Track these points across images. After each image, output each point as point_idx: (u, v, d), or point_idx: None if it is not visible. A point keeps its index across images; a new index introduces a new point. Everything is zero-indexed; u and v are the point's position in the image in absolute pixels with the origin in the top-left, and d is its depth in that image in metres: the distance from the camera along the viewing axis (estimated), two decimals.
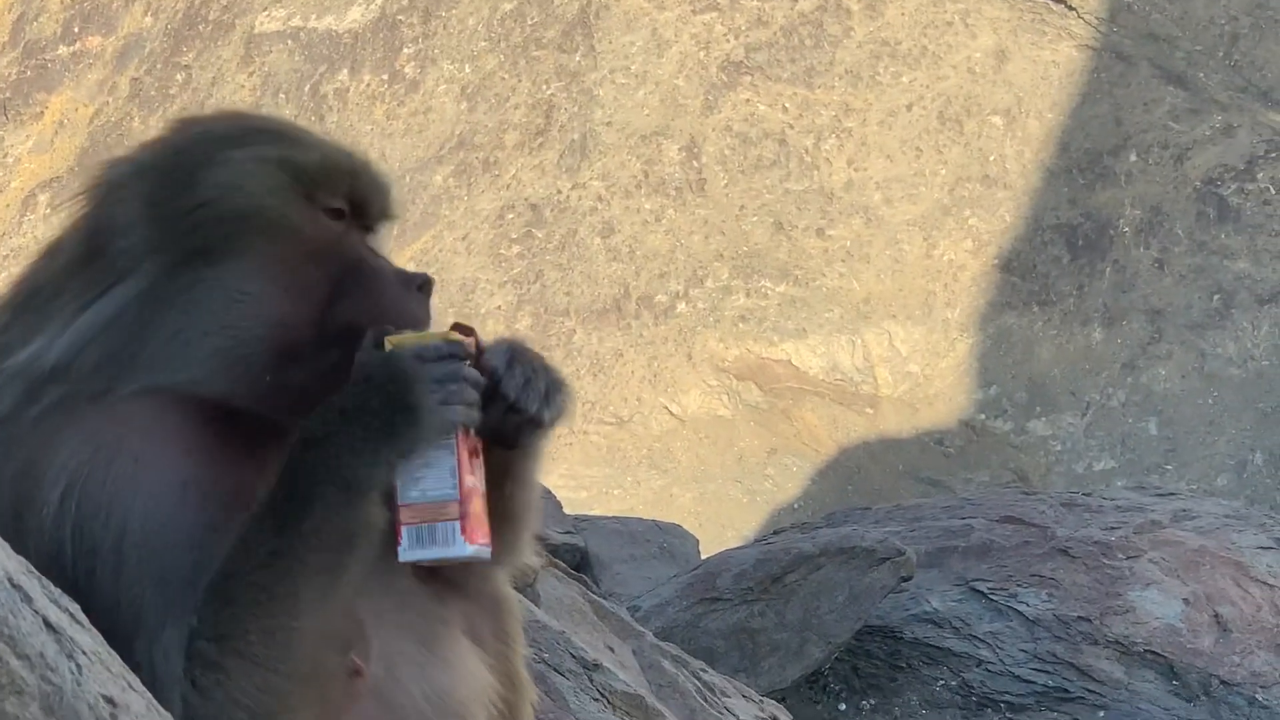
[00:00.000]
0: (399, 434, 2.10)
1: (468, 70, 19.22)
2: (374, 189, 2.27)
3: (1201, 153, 17.90)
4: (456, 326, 2.26)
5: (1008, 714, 6.13)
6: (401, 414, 2.10)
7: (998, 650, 6.32)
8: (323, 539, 2.07)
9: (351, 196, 2.23)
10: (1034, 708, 6.13)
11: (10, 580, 1.57)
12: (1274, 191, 17.83)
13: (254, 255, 2.14)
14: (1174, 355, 17.17)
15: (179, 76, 19.79)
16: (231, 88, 19.39)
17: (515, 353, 2.28)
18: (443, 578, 2.29)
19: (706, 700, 4.46)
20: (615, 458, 17.19)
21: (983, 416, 17.20)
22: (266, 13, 19.93)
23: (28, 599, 1.57)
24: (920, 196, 17.93)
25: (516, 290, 17.94)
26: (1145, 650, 6.28)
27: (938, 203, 17.91)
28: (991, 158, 18.06)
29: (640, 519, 9.06)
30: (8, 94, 20.15)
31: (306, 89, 19.44)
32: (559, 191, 18.28)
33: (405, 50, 19.49)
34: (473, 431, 2.21)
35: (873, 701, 6.23)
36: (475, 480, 2.21)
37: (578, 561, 7.35)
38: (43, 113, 20.09)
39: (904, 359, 17.38)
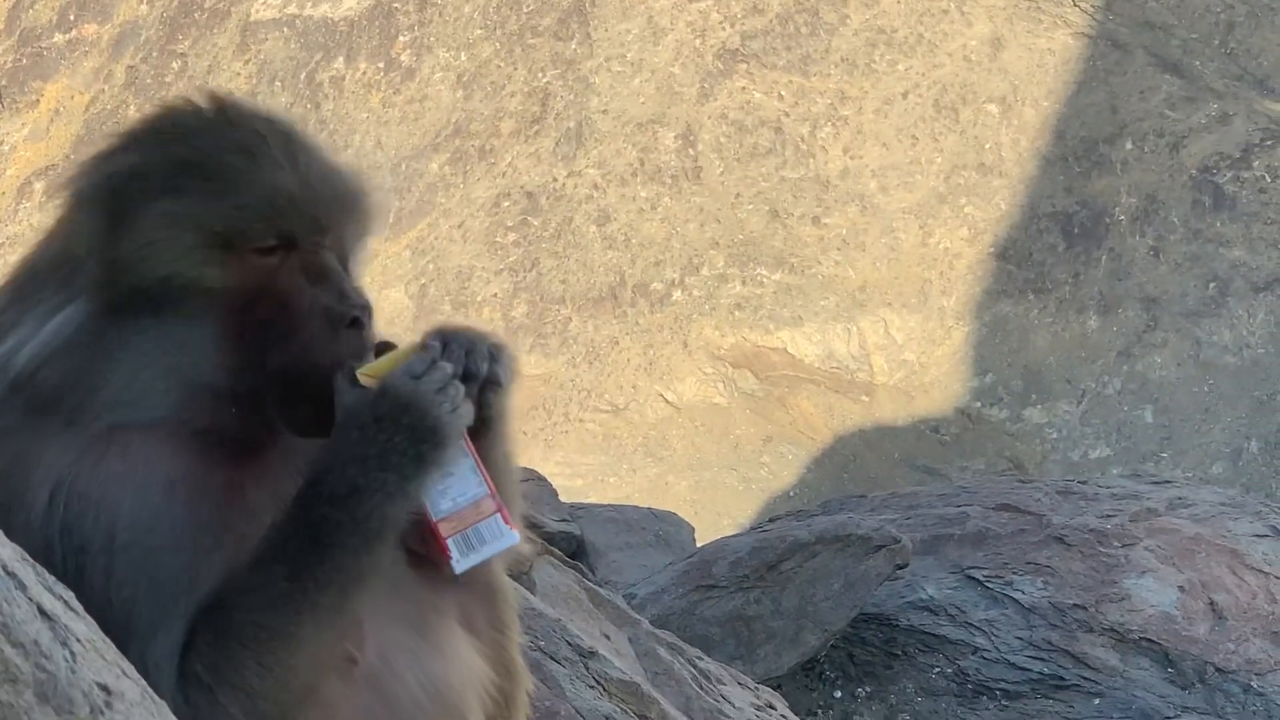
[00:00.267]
0: (430, 459, 2.09)
1: (463, 58, 19.18)
2: (304, 219, 2.18)
3: (1197, 141, 17.91)
4: (380, 346, 2.20)
5: (1003, 701, 6.13)
6: (428, 439, 2.09)
7: (993, 638, 6.31)
8: (337, 584, 2.06)
9: (278, 232, 2.17)
10: (1029, 695, 6.13)
11: (4, 568, 1.57)
12: (1270, 179, 17.82)
13: (187, 309, 2.13)
14: (1169, 343, 17.18)
15: (174, 64, 19.74)
16: (227, 75, 19.35)
17: (447, 333, 2.24)
18: (438, 567, 2.26)
19: (702, 688, 4.46)
20: (611, 445, 17.17)
21: (978, 404, 17.20)
22: (262, 0, 19.89)
23: (22, 586, 1.57)
24: (916, 184, 17.92)
25: (512, 278, 17.91)
26: (1140, 638, 6.28)
27: (933, 191, 17.90)
28: (987, 146, 18.05)
29: (636, 507, 9.05)
30: (3, 82, 20.11)
31: (302, 77, 19.39)
32: (555, 179, 18.24)
33: (401, 38, 19.44)
34: None
35: (868, 689, 6.22)
36: (484, 466, 2.20)
37: (574, 549, 7.34)
38: (38, 100, 20.05)
39: (900, 347, 17.38)
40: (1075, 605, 6.40)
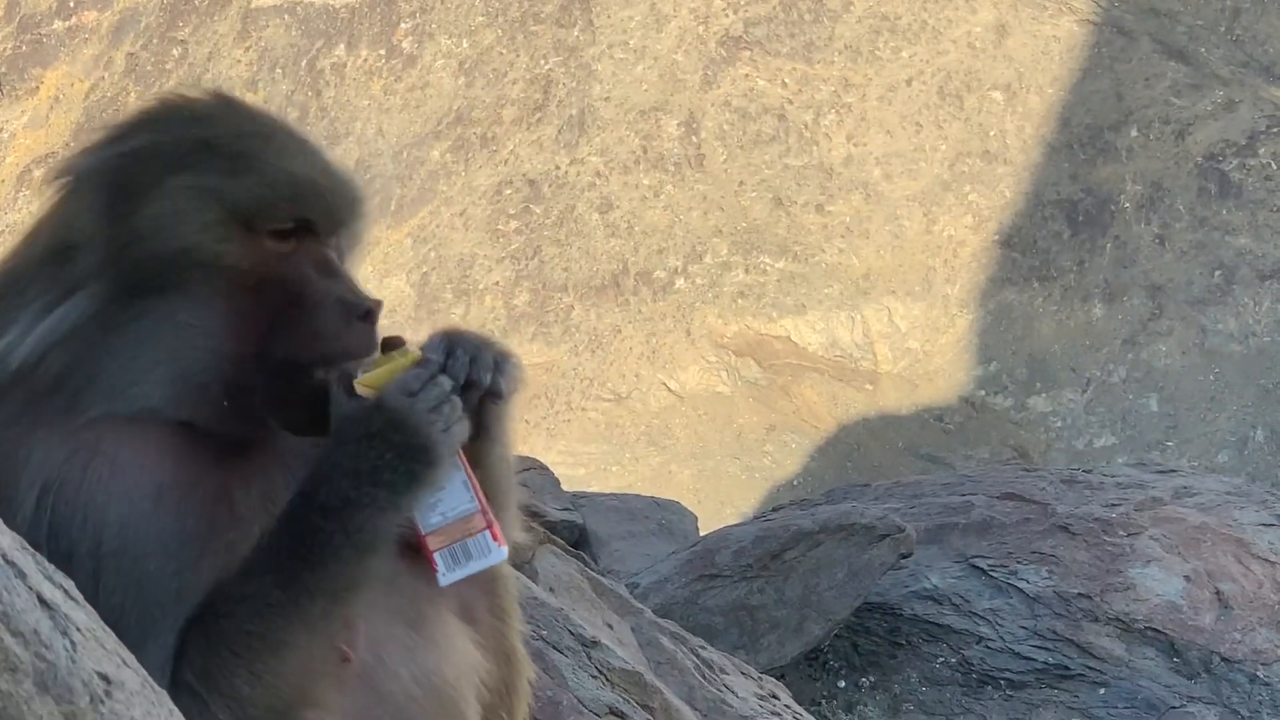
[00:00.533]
0: (421, 477, 2.08)
1: (465, 45, 19.17)
2: (322, 204, 2.18)
3: (1203, 128, 17.89)
4: (388, 341, 2.19)
5: (1008, 691, 6.11)
6: (419, 460, 2.08)
7: (998, 627, 6.29)
8: (329, 594, 2.06)
9: (296, 216, 2.15)
10: (1034, 685, 6.11)
11: (4, 557, 1.56)
12: (1275, 167, 17.81)
13: (195, 288, 2.10)
14: (1175, 331, 17.17)
15: (175, 51, 19.72)
16: (228, 63, 19.35)
17: (452, 339, 2.23)
18: (423, 552, 2.23)
19: (705, 678, 4.43)
20: (614, 434, 17.17)
21: (983, 393, 17.20)
22: None
23: (21, 575, 1.56)
24: (920, 172, 17.92)
25: (514, 266, 17.90)
26: (1146, 627, 6.25)
27: (938, 178, 17.90)
28: (992, 133, 18.05)
29: (639, 496, 9.03)
30: (2, 69, 20.09)
31: (303, 64, 19.36)
32: (557, 167, 18.23)
33: (403, 25, 19.43)
34: None
35: (872, 679, 6.21)
36: (475, 479, 2.19)
37: (576, 538, 7.33)
38: (38, 88, 20.03)
39: (904, 335, 17.38)
40: (1080, 595, 6.37)
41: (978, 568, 6.56)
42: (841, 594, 6.15)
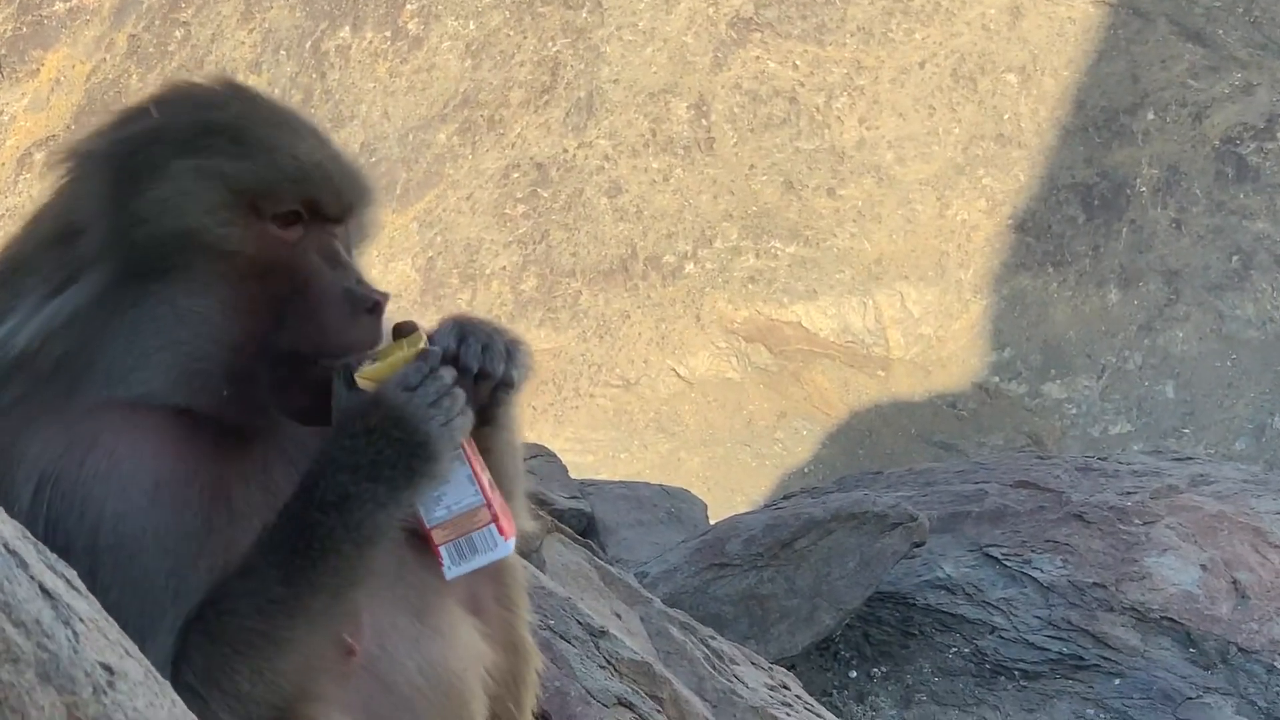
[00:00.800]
0: (420, 473, 2.08)
1: (472, 27, 19.20)
2: (329, 189, 2.17)
3: (1220, 111, 17.90)
4: (399, 327, 2.19)
5: (1021, 682, 6.09)
6: (418, 455, 2.07)
7: (1011, 617, 6.27)
8: (330, 589, 2.06)
9: (303, 199, 2.15)
10: (1048, 675, 6.09)
11: (6, 546, 1.55)
12: None
13: (199, 273, 2.10)
14: (1191, 317, 17.21)
15: (178, 33, 19.76)
16: (231, 44, 19.39)
17: (464, 326, 2.23)
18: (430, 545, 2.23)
19: (715, 668, 4.39)
20: (622, 421, 17.23)
21: (996, 379, 17.25)
22: None
23: (23, 565, 1.55)
24: (933, 155, 17.96)
25: (522, 251, 17.96)
26: (1162, 617, 6.22)
27: (951, 162, 17.94)
28: (1006, 116, 18.08)
29: (648, 484, 9.02)
30: (3, 51, 20.12)
31: (307, 46, 19.40)
32: (565, 150, 18.28)
33: (408, 6, 19.47)
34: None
35: (884, 669, 6.19)
36: (484, 470, 2.19)
37: (584, 527, 7.32)
38: (39, 70, 20.04)
39: (916, 321, 17.43)
40: (1095, 584, 6.34)
41: (991, 556, 6.54)
42: (853, 583, 6.13)
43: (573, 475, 8.51)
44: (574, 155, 18.30)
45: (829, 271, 17.64)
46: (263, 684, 2.03)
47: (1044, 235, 17.74)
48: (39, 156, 18.77)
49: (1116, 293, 17.41)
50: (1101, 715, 5.94)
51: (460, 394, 2.12)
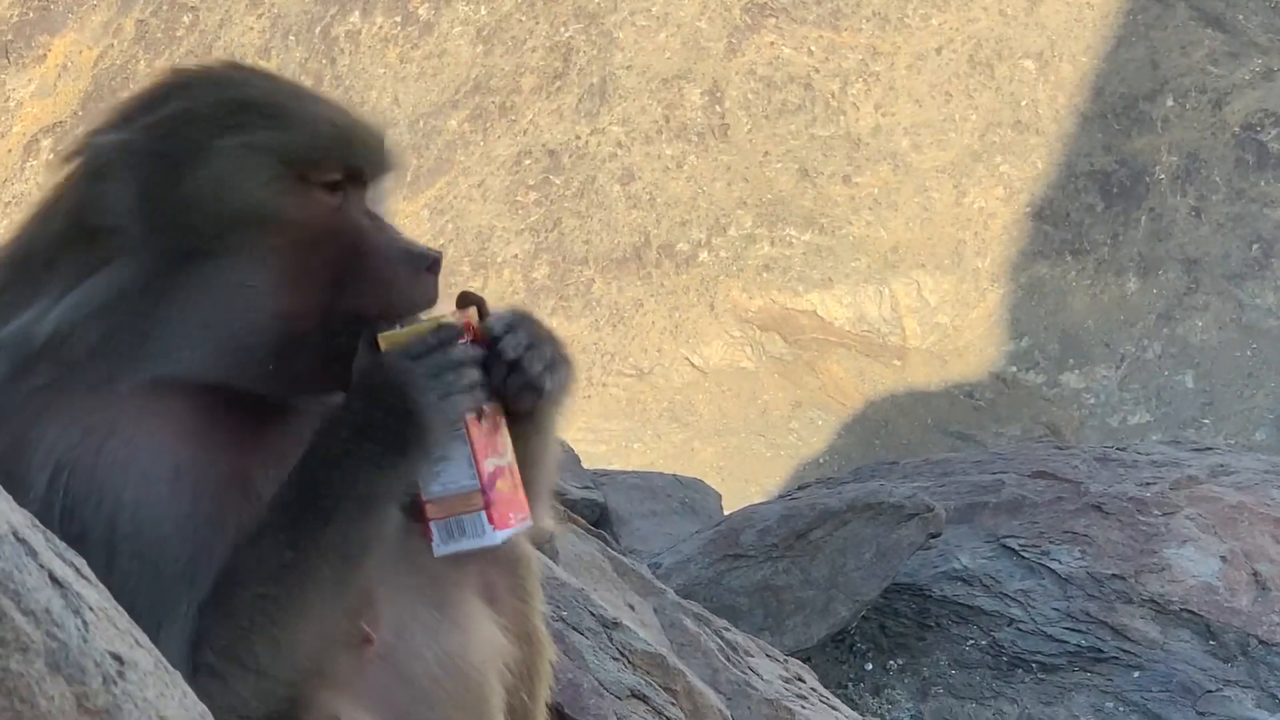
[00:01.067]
0: (410, 442, 2.09)
1: (483, 12, 19.26)
2: (368, 152, 2.21)
3: (1240, 97, 17.92)
4: (463, 296, 2.21)
5: (1039, 674, 6.05)
6: (407, 423, 2.08)
7: (1029, 609, 6.23)
8: (339, 552, 2.07)
9: (346, 165, 2.17)
10: (1066, 668, 6.05)
11: (15, 534, 1.54)
12: None
13: (254, 247, 2.11)
14: (1211, 306, 17.22)
15: (185, 18, 19.83)
16: (240, 30, 19.44)
17: (519, 318, 2.23)
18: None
19: (729, 660, 4.34)
20: (635, 411, 17.27)
21: (1014, 369, 17.26)
22: None
23: (33, 553, 1.55)
24: (950, 143, 18.00)
25: (534, 238, 18.02)
26: (1181, 609, 6.17)
27: (968, 149, 17.97)
28: (1023, 102, 18.10)
29: (661, 474, 9.00)
30: (9, 36, 20.19)
31: (317, 31, 19.45)
32: (577, 137, 18.35)
33: None
34: (487, 407, 2.18)
35: (900, 661, 6.16)
36: (498, 459, 2.19)
37: (597, 517, 7.30)
38: (45, 55, 20.11)
39: (933, 309, 17.47)
40: (1114, 575, 6.29)
41: (1008, 548, 6.49)
42: (869, 575, 6.09)
43: (585, 465, 8.50)
44: (586, 142, 18.34)
45: (844, 260, 17.67)
46: (280, 657, 2.03)
47: (1062, 223, 17.77)
48: (46, 143, 18.85)
49: (1135, 281, 17.44)
50: (1120, 708, 5.90)
51: (469, 373, 2.12)
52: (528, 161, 18.36)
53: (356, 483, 2.06)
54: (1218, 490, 6.73)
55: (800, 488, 7.62)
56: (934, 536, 6.30)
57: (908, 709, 6.03)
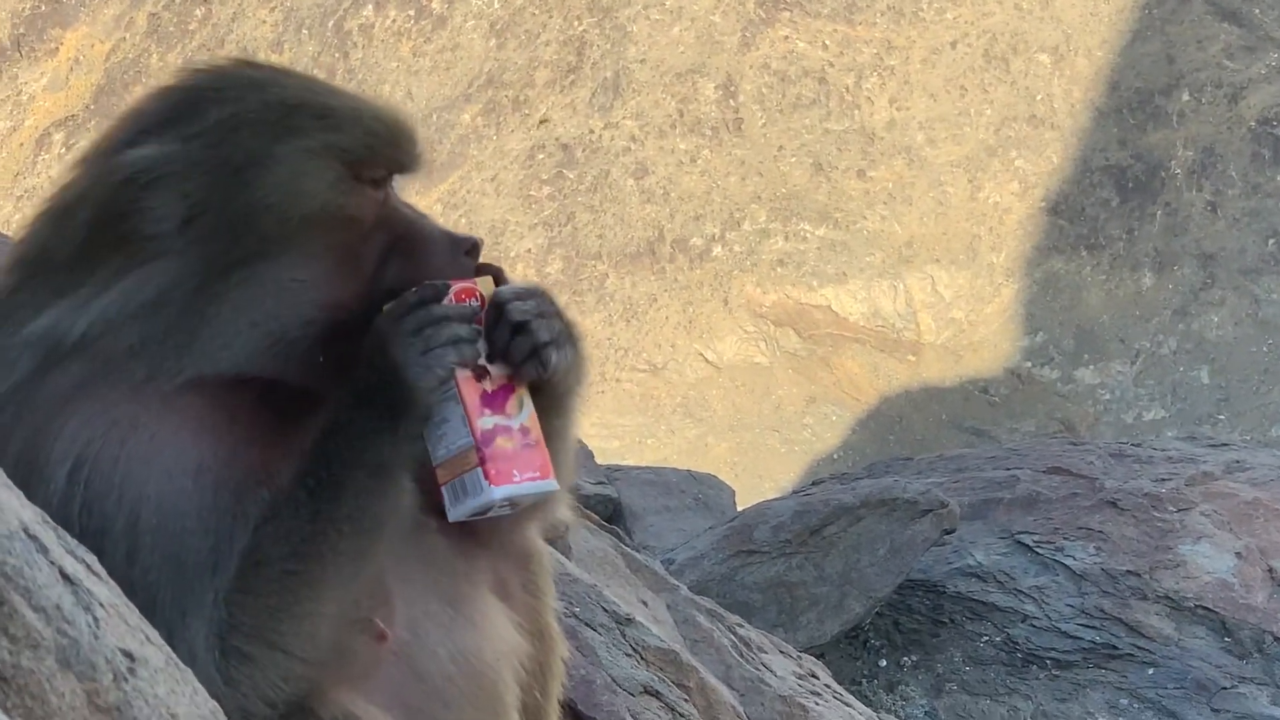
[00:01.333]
0: (401, 402, 2.08)
1: (496, 5, 19.27)
2: (408, 146, 2.22)
3: (1256, 92, 17.89)
4: (481, 269, 2.20)
5: (1054, 671, 6.03)
6: (394, 381, 2.09)
7: (1044, 605, 6.21)
8: (355, 524, 2.08)
9: (392, 161, 2.20)
10: (1081, 664, 6.03)
11: (26, 530, 1.53)
12: None
13: (309, 245, 2.14)
14: (1227, 301, 17.21)
15: (198, 12, 19.86)
16: (252, 24, 19.46)
17: (532, 289, 2.20)
18: (471, 533, 2.25)
19: (743, 656, 4.32)
20: (649, 406, 17.28)
21: (1029, 364, 17.26)
22: None
23: (43, 550, 1.54)
24: (965, 137, 17.99)
25: (547, 233, 18.04)
26: (1196, 606, 6.15)
27: (983, 143, 17.96)
28: (1039, 97, 18.09)
29: (674, 469, 8.99)
30: (21, 30, 20.21)
31: (330, 25, 19.46)
32: (591, 131, 18.36)
33: None
34: (493, 370, 2.17)
35: (914, 657, 6.14)
36: (501, 418, 2.17)
37: (610, 513, 7.30)
38: (57, 49, 20.13)
39: (947, 305, 17.47)
40: (1128, 572, 6.26)
41: (1023, 544, 6.47)
42: (883, 571, 6.07)
43: (599, 461, 8.49)
44: (600, 136, 18.35)
45: (859, 254, 17.66)
46: (304, 634, 2.04)
47: (1077, 218, 17.75)
48: (58, 136, 18.88)
49: (1151, 277, 17.42)
50: (1135, 705, 5.88)
51: (453, 327, 2.11)
52: (541, 156, 18.39)
53: (363, 451, 2.07)
54: (1233, 486, 6.70)
55: (814, 483, 7.60)
56: (948, 532, 6.28)
57: (922, 705, 6.02)
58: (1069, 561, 6.35)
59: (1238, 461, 7.05)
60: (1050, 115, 18.01)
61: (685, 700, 3.51)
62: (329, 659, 2.07)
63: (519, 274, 18.83)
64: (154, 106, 2.18)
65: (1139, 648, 6.04)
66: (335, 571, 2.07)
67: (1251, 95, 17.91)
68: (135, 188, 2.12)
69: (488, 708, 2.25)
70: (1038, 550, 6.43)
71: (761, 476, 16.25)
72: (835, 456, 16.84)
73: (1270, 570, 6.28)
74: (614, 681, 3.37)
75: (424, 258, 2.16)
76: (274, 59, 18.48)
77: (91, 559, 1.66)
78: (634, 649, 3.53)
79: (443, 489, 2.14)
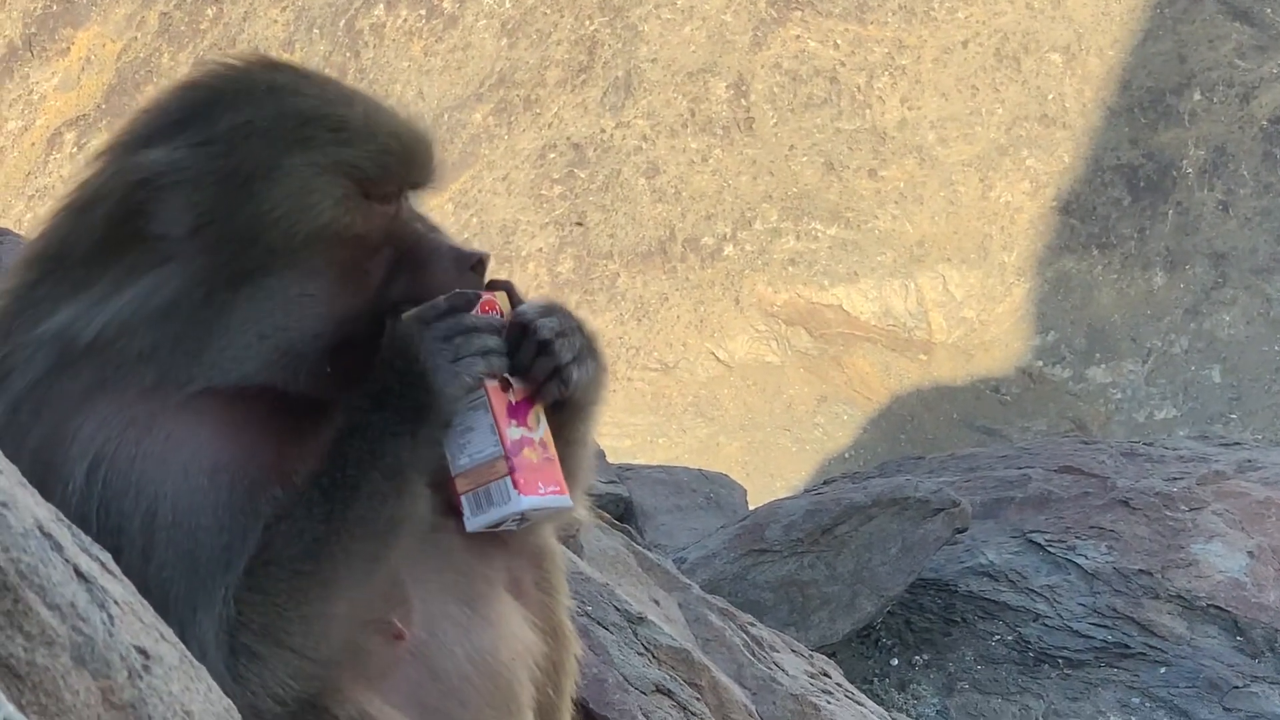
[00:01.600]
0: (424, 406, 2.10)
1: (508, 5, 19.27)
2: (424, 162, 2.24)
3: (1268, 91, 17.87)
4: (492, 284, 2.22)
5: (1065, 670, 6.02)
6: (418, 385, 2.10)
7: (1055, 604, 6.20)
8: (369, 526, 2.08)
9: (405, 177, 2.21)
10: (1093, 664, 6.02)
11: (40, 528, 1.53)
12: None
13: (315, 260, 2.14)
14: (1239, 300, 17.18)
15: (210, 11, 19.86)
16: (264, 23, 19.46)
17: (554, 306, 2.24)
18: (486, 533, 2.23)
19: (754, 655, 4.32)
20: (660, 405, 17.27)
21: (1040, 363, 17.24)
22: None
23: (58, 547, 1.54)
24: (976, 136, 17.97)
25: (558, 232, 18.03)
26: (1208, 605, 6.14)
27: (994, 143, 17.94)
28: (1050, 96, 18.05)
29: (686, 468, 8.98)
30: (33, 29, 20.22)
31: (341, 24, 19.46)
32: (602, 130, 18.36)
33: None
34: (515, 383, 2.19)
35: (926, 657, 6.14)
36: (526, 430, 2.18)
37: (622, 512, 7.29)
38: (69, 48, 20.13)
39: (959, 304, 17.45)
40: (1140, 571, 6.25)
41: (1035, 543, 6.46)
42: (894, 570, 6.07)
43: (610, 460, 8.48)
44: (611, 135, 18.34)
45: (870, 254, 17.64)
46: (315, 634, 2.04)
47: (1089, 217, 17.73)
48: (69, 136, 18.89)
49: (1162, 276, 17.39)
50: (1147, 704, 5.87)
51: (483, 338, 2.13)
52: (552, 155, 18.38)
53: (381, 454, 2.07)
54: (1245, 485, 6.69)
55: (825, 483, 7.59)
56: (960, 532, 6.27)
57: (933, 704, 6.01)
58: (1081, 561, 6.35)
59: (1249, 461, 7.04)
60: (1062, 114, 17.99)
61: (697, 699, 3.51)
62: (342, 658, 2.07)
63: (530, 273, 18.85)
64: (172, 105, 2.19)
65: (1151, 647, 6.04)
66: (347, 573, 2.07)
67: (1263, 94, 17.89)
68: (148, 189, 2.13)
69: (504, 707, 2.25)
70: (1049, 549, 6.43)
71: (773, 475, 16.24)
72: (847, 455, 16.83)
73: None
74: (626, 680, 3.38)
75: (430, 273, 2.16)
76: (287, 58, 18.53)
77: (106, 557, 1.66)
78: (646, 648, 3.54)
79: (462, 498, 2.14)
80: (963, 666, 6.10)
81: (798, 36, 18.49)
